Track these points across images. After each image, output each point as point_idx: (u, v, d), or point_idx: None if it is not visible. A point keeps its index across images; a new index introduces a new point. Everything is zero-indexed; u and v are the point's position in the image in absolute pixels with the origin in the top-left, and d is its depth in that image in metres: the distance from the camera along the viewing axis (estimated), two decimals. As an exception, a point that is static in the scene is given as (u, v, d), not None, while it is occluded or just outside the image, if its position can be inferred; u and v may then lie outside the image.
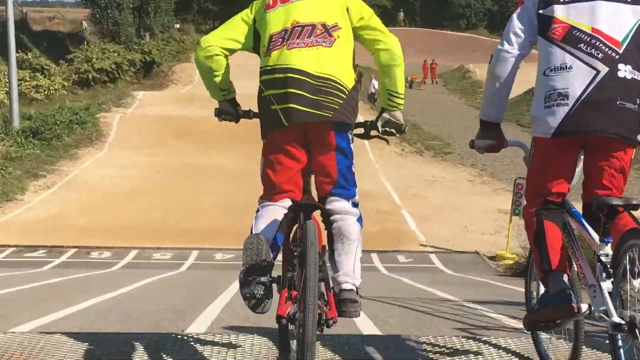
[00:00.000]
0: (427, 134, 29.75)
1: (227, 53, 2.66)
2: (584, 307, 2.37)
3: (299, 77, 2.47)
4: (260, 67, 2.60)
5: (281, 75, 2.49)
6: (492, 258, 13.89)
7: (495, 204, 17.88)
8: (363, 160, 23.15)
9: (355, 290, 2.59)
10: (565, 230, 2.54)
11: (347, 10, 2.59)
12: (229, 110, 2.80)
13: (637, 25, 2.40)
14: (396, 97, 2.74)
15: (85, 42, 42.57)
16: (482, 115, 2.81)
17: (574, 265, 2.52)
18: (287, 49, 2.55)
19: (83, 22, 59.30)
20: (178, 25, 69.94)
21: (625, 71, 2.42)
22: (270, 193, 2.62)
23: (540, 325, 2.52)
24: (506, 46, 2.60)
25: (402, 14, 79.75)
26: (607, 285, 2.35)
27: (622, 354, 2.12)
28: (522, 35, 2.58)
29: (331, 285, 2.44)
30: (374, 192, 19.16)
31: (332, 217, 2.70)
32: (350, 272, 2.61)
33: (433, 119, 34.49)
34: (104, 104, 29.74)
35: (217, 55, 2.61)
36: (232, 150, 24.81)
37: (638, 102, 2.46)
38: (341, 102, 2.53)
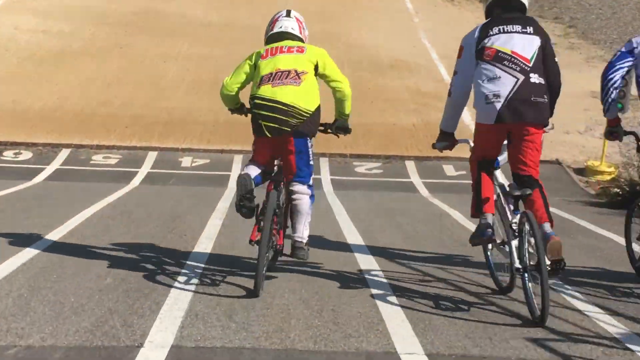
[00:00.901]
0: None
1: (239, 88, 6.05)
2: (499, 239, 5.52)
3: (277, 105, 5.69)
4: (252, 94, 5.85)
5: (266, 103, 5.72)
6: (579, 171, 13.79)
7: (588, 84, 17.55)
8: (396, 7, 22.74)
9: (303, 243, 5.75)
10: (495, 203, 5.58)
11: (316, 62, 5.86)
12: (239, 112, 6.27)
13: (538, 48, 5.35)
14: (344, 116, 6.10)
15: None
16: (443, 128, 5.85)
17: (499, 209, 5.62)
18: (272, 86, 5.79)
19: None
20: None
21: (534, 78, 5.34)
22: (255, 160, 5.99)
23: (477, 244, 5.63)
24: (457, 84, 5.63)
25: None
26: (514, 243, 5.32)
27: (527, 284, 5.19)
28: (467, 74, 5.52)
29: (289, 233, 5.92)
30: (408, 61, 18.88)
31: (292, 197, 5.83)
32: (300, 234, 5.77)
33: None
34: None
35: (234, 92, 6.05)
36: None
37: (545, 97, 5.31)
38: (301, 120, 5.70)
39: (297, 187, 5.86)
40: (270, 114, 5.72)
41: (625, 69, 6.12)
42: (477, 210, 5.58)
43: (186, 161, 13.61)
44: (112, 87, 16.66)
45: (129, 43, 19.37)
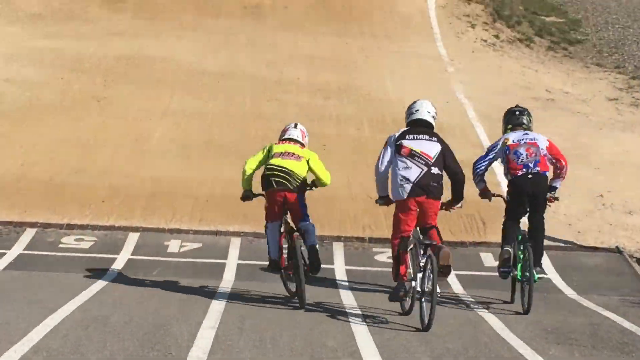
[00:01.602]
0: (540, 1, 29.42)
1: (256, 168, 10.98)
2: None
3: (286, 170, 10.74)
4: (267, 164, 10.83)
5: (278, 168, 10.73)
6: (646, 262, 13.87)
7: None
8: (427, 53, 23.03)
9: (315, 245, 10.80)
10: (410, 251, 10.21)
11: (308, 159, 11.00)
12: (250, 195, 11.04)
13: (439, 151, 10.20)
14: (321, 185, 11.29)
15: None
16: (380, 194, 10.61)
17: (411, 268, 10.18)
18: (282, 159, 10.86)
19: None
20: None
21: (434, 170, 10.12)
22: (270, 219, 10.84)
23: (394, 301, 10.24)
24: (381, 169, 10.36)
25: None
26: (419, 275, 9.88)
27: (423, 303, 9.65)
28: (386, 162, 10.29)
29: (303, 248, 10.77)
30: (439, 120, 19.01)
31: (300, 226, 10.73)
32: (313, 241, 10.74)
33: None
34: None
35: (251, 174, 10.97)
36: (201, 29, 24.78)
37: (439, 182, 10.14)
38: (298, 182, 10.75)
39: (304, 223, 10.82)
40: (278, 174, 10.77)
41: (487, 163, 11.52)
42: (395, 278, 10.33)
43: (174, 245, 13.77)
44: (87, 151, 16.89)
45: (109, 95, 19.67)
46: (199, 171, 16.23)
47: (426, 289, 9.62)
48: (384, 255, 13.68)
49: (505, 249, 11.21)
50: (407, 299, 10.12)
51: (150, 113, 18.82)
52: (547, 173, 11.31)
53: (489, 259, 13.74)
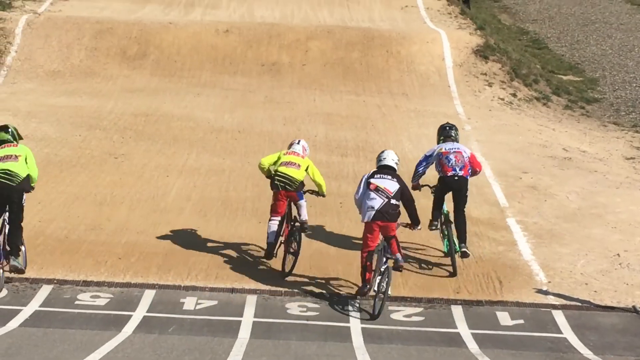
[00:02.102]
0: (557, 60, 29.60)
1: (270, 166, 15.08)
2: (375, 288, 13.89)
3: (289, 177, 14.80)
4: (275, 170, 14.95)
5: (283, 176, 14.82)
6: (663, 323, 13.83)
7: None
8: (445, 112, 23.17)
9: (306, 222, 15.10)
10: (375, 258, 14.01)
11: (307, 167, 15.14)
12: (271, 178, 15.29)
13: (398, 187, 13.90)
14: (321, 191, 15.47)
15: None
16: (363, 220, 14.06)
17: (375, 273, 13.91)
18: (287, 168, 14.94)
19: None
20: None
21: (393, 201, 13.79)
22: (273, 213, 14.99)
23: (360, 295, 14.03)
24: (356, 197, 14.16)
25: None
26: (378, 278, 13.69)
27: (376, 301, 13.62)
28: (361, 193, 14.00)
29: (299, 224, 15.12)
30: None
31: (296, 203, 15.09)
32: (305, 218, 15.06)
33: (568, 29, 34.13)
34: (0, -8, 29.78)
35: (266, 169, 15.10)
36: (219, 87, 25.00)
37: (396, 210, 13.78)
38: (297, 185, 14.83)
39: (300, 202, 15.01)
40: (284, 180, 14.76)
41: (425, 164, 15.64)
42: (362, 281, 13.82)
43: (189, 302, 13.81)
44: (103, 208, 17.02)
45: (126, 152, 19.84)
46: (215, 228, 16.33)
47: (381, 289, 13.63)
48: (400, 314, 13.71)
49: (434, 223, 15.58)
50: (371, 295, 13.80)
51: (167, 170, 18.98)
52: (468, 177, 15.42)
53: (506, 318, 13.73)
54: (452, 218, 15.49)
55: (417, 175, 15.81)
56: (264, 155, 17.77)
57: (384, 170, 14.14)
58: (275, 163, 15.04)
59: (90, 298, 13.81)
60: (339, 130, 21.51)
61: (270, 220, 14.95)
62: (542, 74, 26.66)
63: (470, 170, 15.43)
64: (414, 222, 14.30)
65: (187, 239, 15.90)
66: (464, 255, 14.99)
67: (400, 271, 13.98)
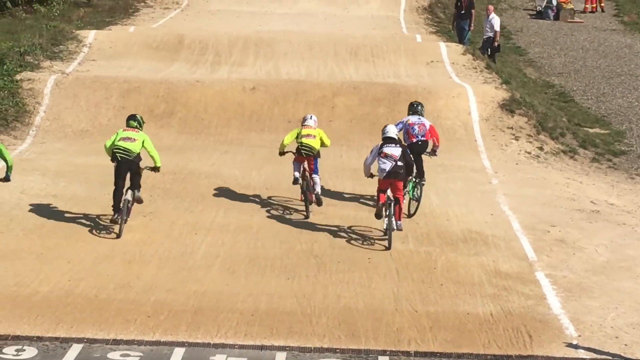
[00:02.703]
0: (583, 113, 29.64)
1: (289, 143, 20.47)
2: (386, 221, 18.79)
3: (309, 146, 20.01)
4: (297, 141, 20.22)
5: (305, 146, 20.01)
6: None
7: None
8: (471, 166, 23.22)
9: (319, 194, 20.07)
10: (387, 200, 18.62)
11: (320, 136, 20.31)
12: (284, 153, 20.74)
13: (401, 152, 18.67)
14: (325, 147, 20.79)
15: None
16: (365, 174, 19.46)
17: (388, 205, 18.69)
18: (306, 139, 20.12)
19: None
20: None
21: (399, 163, 18.47)
22: (296, 161, 20.28)
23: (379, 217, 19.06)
24: (367, 163, 19.11)
25: None
26: (385, 220, 18.76)
27: (390, 234, 18.58)
28: (370, 160, 18.96)
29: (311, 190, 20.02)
30: (484, 233, 19.20)
31: (312, 177, 20.10)
32: (318, 191, 20.05)
33: (594, 82, 34.17)
34: (29, 53, 30.14)
35: (286, 145, 20.52)
36: (246, 144, 25.17)
37: (402, 170, 18.49)
38: (315, 152, 20.08)
39: (315, 176, 19.96)
40: (305, 149, 19.85)
41: (399, 129, 19.93)
42: (376, 205, 18.88)
43: (219, 360, 13.86)
44: (132, 266, 17.14)
45: (154, 210, 19.98)
46: (244, 286, 16.39)
47: (388, 225, 18.53)
48: (430, 369, 13.72)
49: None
50: (384, 219, 18.72)
51: (196, 228, 19.09)
52: (429, 142, 20.55)
53: (536, 373, 13.71)
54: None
55: (398, 130, 20.17)
56: (291, 214, 17.78)
57: (389, 140, 18.79)
58: (297, 137, 20.21)
59: (120, 357, 13.88)
60: (365, 186, 21.56)
61: (293, 161, 20.32)
62: (568, 127, 26.70)
63: (431, 138, 20.66)
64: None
65: (215, 296, 15.96)
66: (418, 198, 20.41)
67: (400, 230, 18.68)
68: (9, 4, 39.95)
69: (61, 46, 31.82)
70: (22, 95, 26.64)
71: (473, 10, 34.63)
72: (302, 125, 20.41)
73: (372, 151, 18.98)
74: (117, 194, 18.86)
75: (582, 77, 34.24)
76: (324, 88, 27.83)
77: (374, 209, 19.46)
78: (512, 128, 26.20)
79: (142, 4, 43.14)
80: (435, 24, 41.45)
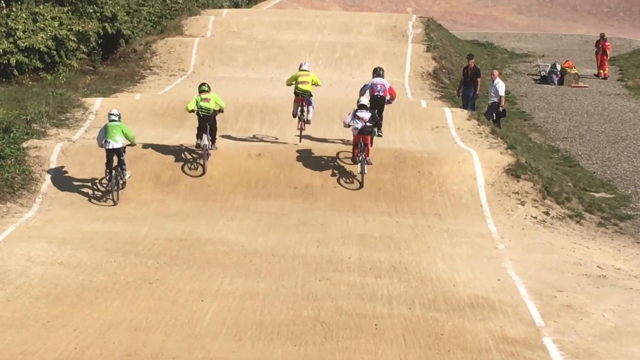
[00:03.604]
0: (589, 178, 29.74)
1: (292, 81, 29.28)
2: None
3: (304, 90, 28.75)
4: (295, 84, 29.02)
5: (300, 87, 28.79)
6: None
7: None
8: (478, 231, 23.28)
9: (310, 120, 29.34)
10: (358, 145, 26.98)
11: (313, 79, 28.98)
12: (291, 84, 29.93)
13: (370, 115, 27.12)
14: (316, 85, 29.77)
15: (3, 3, 43.47)
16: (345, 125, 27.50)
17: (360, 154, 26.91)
18: (302, 85, 28.86)
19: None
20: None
21: (368, 124, 26.53)
22: (295, 102, 29.20)
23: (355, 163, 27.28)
24: (345, 122, 27.40)
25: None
26: (360, 164, 27.05)
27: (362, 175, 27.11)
28: (348, 121, 27.37)
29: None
30: (491, 299, 19.21)
31: (306, 109, 29.16)
32: (309, 118, 29.30)
33: (599, 146, 34.33)
34: (36, 120, 30.41)
35: (288, 84, 29.64)
36: (252, 210, 25.26)
37: (370, 129, 26.80)
38: (309, 93, 28.74)
39: (310, 107, 28.97)
40: (300, 91, 28.54)
41: (365, 90, 28.78)
42: (353, 154, 27.39)
43: None
44: (139, 334, 17.16)
45: (161, 277, 20.04)
46: (250, 353, 16.41)
47: (363, 170, 26.41)
48: None
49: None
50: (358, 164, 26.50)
51: (202, 295, 19.13)
52: (386, 97, 28.58)
53: None
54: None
55: (361, 93, 28.45)
56: (297, 277, 17.96)
57: (362, 107, 26.92)
58: (295, 80, 28.63)
59: None
60: (372, 252, 21.65)
61: (294, 102, 28.89)
62: (574, 191, 26.80)
63: (388, 95, 28.83)
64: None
65: (222, 364, 15.97)
66: (378, 134, 28.26)
67: (370, 164, 26.84)
68: (15, 72, 40.32)
69: (67, 114, 32.07)
70: (28, 162, 26.80)
71: (479, 79, 34.82)
72: (300, 72, 28.82)
73: (349, 113, 26.98)
74: (199, 137, 27.59)
75: (587, 141, 34.40)
76: (330, 154, 28.00)
77: (381, 277, 19.54)
78: (517, 193, 26.29)
79: (148, 71, 43.51)
80: (440, 89, 41.73)
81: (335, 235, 22.98)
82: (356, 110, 26.65)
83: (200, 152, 27.48)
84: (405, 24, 51.78)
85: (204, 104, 27.30)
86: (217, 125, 28.00)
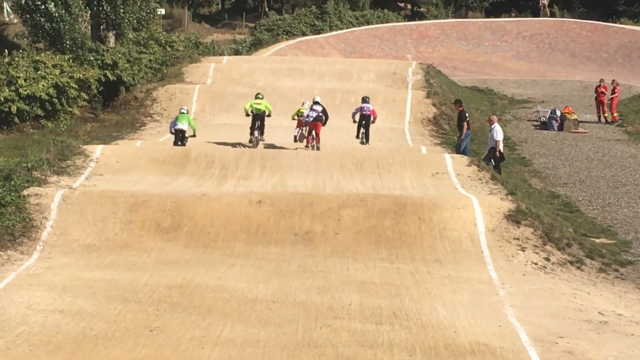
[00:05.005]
0: (589, 223, 29.80)
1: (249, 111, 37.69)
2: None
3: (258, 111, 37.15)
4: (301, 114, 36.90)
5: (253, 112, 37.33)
6: None
7: None
8: (478, 277, 23.31)
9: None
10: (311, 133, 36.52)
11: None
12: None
13: (321, 109, 36.41)
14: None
15: (5, 51, 43.79)
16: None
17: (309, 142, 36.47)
18: (254, 105, 37.12)
19: (4, 4, 61.04)
20: (163, 12, 72.07)
21: (320, 115, 36.16)
22: (298, 126, 37.14)
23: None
24: (306, 116, 35.87)
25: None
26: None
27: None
28: (306, 114, 35.55)
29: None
30: (492, 345, 19.21)
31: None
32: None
33: (599, 192, 34.41)
34: (37, 168, 30.52)
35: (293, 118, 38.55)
36: (252, 257, 25.30)
37: (321, 119, 35.78)
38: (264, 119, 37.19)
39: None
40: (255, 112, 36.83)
41: (355, 112, 37.60)
42: (307, 142, 35.77)
43: None
44: (140, 382, 17.12)
45: (161, 325, 20.03)
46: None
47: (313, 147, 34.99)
48: None
49: (359, 135, 37.41)
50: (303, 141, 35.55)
51: (203, 342, 19.13)
52: (372, 117, 37.05)
53: None
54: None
55: (353, 116, 37.31)
56: (298, 324, 18.02)
57: (317, 103, 35.59)
58: (298, 111, 36.72)
59: None
60: (373, 298, 21.67)
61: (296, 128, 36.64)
62: (574, 237, 26.86)
63: (372, 115, 37.21)
64: (324, 122, 35.58)
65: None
66: (366, 142, 37.05)
67: (319, 149, 34.47)
68: (16, 120, 40.58)
69: (68, 161, 32.20)
70: (29, 210, 26.86)
71: (464, 123, 35.50)
72: (308, 105, 36.47)
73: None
74: (252, 131, 36.45)
75: (587, 187, 34.52)
76: (330, 200, 28.07)
77: (381, 324, 19.57)
78: (518, 239, 26.35)
79: (149, 118, 43.78)
80: (440, 135, 41.96)
81: (336, 282, 23.00)
82: (312, 105, 35.70)
83: (250, 145, 36.51)
84: (405, 70, 52.21)
85: (256, 106, 36.39)
86: (265, 127, 36.95)
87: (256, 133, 36.32)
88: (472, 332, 19.98)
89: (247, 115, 37.03)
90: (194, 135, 36.15)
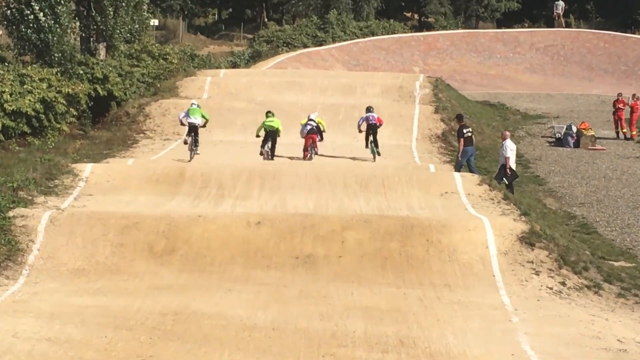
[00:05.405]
0: (607, 246, 29.80)
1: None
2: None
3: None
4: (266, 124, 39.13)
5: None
6: None
7: None
8: (490, 303, 23.29)
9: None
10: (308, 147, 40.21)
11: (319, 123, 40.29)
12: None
13: (316, 124, 40.29)
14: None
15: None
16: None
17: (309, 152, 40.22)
18: (267, 122, 39.06)
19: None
20: (156, 22, 72.20)
21: (314, 128, 40.02)
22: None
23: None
24: (303, 133, 39.63)
25: (561, 2, 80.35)
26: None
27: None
28: (305, 131, 39.04)
29: None
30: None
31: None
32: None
33: (618, 212, 34.39)
34: (23, 188, 30.53)
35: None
36: (251, 282, 25.30)
37: (316, 132, 39.71)
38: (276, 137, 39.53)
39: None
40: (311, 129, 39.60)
41: (361, 122, 39.87)
42: (304, 156, 38.91)
43: None
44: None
45: (155, 353, 20.02)
46: None
47: (312, 157, 38.80)
48: None
49: (368, 144, 39.22)
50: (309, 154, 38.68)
51: (198, 373, 19.13)
52: (378, 124, 39.17)
53: None
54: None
55: (358, 126, 39.88)
56: (299, 353, 18.02)
57: (310, 120, 38.81)
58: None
59: None
60: (379, 325, 21.65)
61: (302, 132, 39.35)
62: (592, 260, 26.85)
63: (379, 122, 39.24)
64: (321, 138, 39.36)
65: None
66: (377, 152, 39.17)
67: (316, 153, 38.80)
68: (1, 137, 40.55)
69: (56, 180, 32.23)
70: (14, 232, 26.87)
71: (461, 139, 35.65)
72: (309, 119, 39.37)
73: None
74: (264, 145, 38.45)
75: (605, 207, 34.53)
76: (333, 222, 28.08)
77: (388, 352, 19.56)
78: (532, 262, 26.34)
79: (141, 135, 43.86)
80: (450, 152, 41.99)
81: (339, 308, 22.99)
82: (307, 121, 39.31)
83: (262, 157, 38.43)
84: (412, 84, 52.31)
85: (269, 123, 38.57)
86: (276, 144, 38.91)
87: (266, 147, 38.42)
88: (484, 360, 19.98)
89: (258, 136, 39.10)
90: (204, 126, 39.00)
